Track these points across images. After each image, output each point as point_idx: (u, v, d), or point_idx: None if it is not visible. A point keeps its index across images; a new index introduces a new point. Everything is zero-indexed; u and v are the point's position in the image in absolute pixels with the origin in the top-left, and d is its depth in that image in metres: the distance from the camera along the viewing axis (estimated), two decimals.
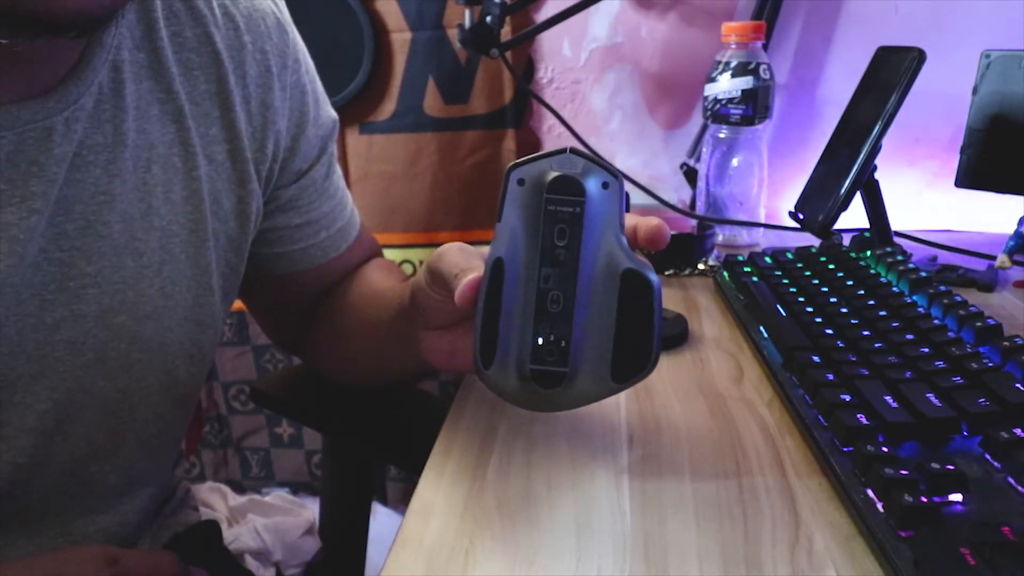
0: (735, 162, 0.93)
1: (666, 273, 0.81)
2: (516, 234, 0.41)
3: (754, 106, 0.90)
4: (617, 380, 0.42)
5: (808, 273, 0.70)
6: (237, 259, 0.59)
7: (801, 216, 0.84)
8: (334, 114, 0.66)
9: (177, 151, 0.52)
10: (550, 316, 0.41)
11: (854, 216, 0.80)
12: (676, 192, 1.13)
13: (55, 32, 0.40)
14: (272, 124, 0.58)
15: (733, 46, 0.90)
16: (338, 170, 0.69)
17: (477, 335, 0.41)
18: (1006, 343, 0.50)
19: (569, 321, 0.41)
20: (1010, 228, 0.81)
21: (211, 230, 0.55)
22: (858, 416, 0.43)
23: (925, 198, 1.04)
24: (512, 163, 0.42)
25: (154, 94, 0.51)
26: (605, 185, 0.41)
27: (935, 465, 0.38)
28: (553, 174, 0.41)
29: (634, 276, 0.41)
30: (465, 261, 0.44)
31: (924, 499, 0.36)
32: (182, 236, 0.53)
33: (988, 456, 0.41)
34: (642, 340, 0.41)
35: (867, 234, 0.81)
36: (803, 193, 0.87)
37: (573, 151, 0.41)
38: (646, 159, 1.15)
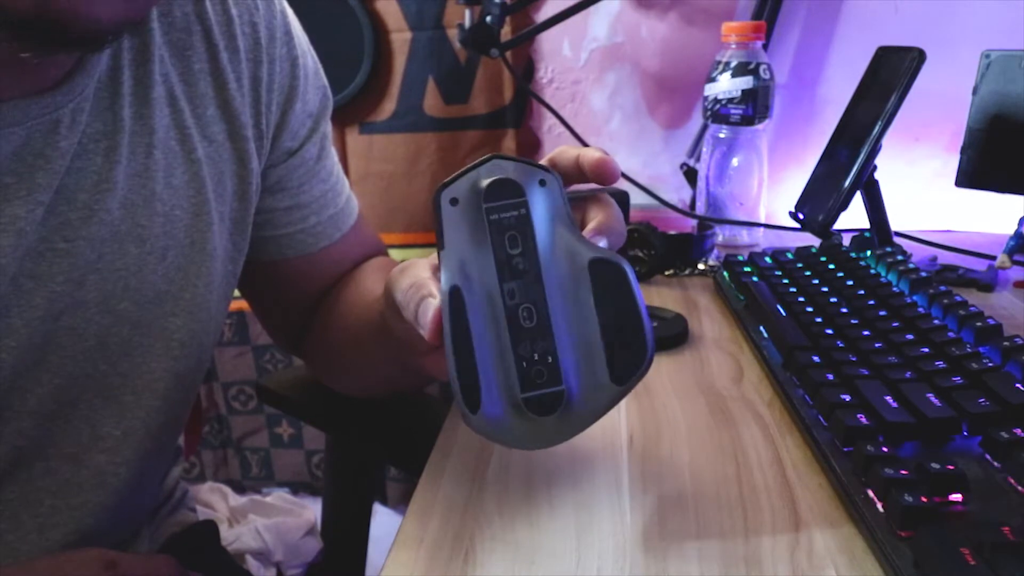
0: (735, 162, 0.93)
1: (666, 273, 0.81)
2: (465, 256, 0.38)
3: (754, 106, 0.90)
4: (619, 381, 0.38)
5: (808, 273, 0.69)
6: (241, 239, 0.58)
7: (801, 216, 0.84)
8: (327, 90, 0.64)
9: (174, 135, 0.52)
10: (527, 333, 0.37)
11: (854, 216, 0.80)
12: (676, 192, 1.13)
13: (77, 46, 0.40)
14: (263, 99, 0.57)
15: (733, 46, 0.90)
16: (333, 155, 0.67)
17: (454, 378, 0.37)
18: (1006, 343, 0.50)
19: (548, 332, 0.37)
20: (1010, 228, 0.81)
21: (215, 214, 0.54)
22: (858, 416, 0.43)
23: (925, 198, 1.04)
24: (439, 185, 0.39)
25: (149, 78, 0.51)
26: (542, 183, 0.39)
27: (935, 465, 0.38)
28: (486, 181, 0.38)
29: (602, 265, 0.37)
30: (411, 283, 0.41)
31: (924, 499, 0.36)
32: (185, 221, 0.53)
33: (988, 456, 0.41)
34: (632, 331, 0.37)
35: (867, 234, 0.81)
36: (803, 193, 0.87)
37: (498, 157, 0.39)
38: (646, 159, 1.15)
